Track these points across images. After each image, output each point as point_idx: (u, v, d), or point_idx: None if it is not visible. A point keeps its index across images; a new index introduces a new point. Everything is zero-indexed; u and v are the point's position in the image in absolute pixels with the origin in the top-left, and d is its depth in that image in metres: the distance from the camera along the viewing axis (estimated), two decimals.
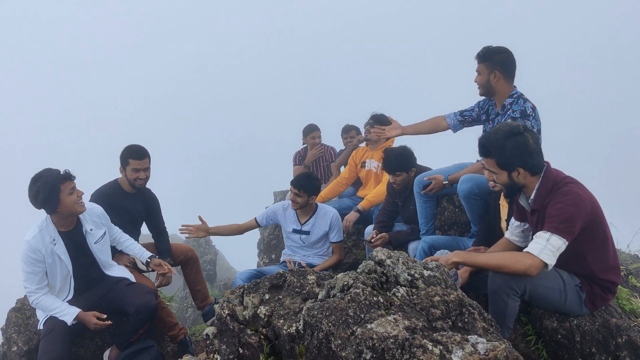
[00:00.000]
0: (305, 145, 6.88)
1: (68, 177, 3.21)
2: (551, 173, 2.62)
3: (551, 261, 2.39)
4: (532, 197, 2.66)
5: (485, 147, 2.66)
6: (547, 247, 2.39)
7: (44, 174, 3.15)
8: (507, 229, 3.19)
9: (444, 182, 3.91)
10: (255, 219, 4.70)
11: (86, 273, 3.50)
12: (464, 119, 4.01)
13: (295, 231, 4.50)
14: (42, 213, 3.30)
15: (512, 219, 2.95)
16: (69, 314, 3.26)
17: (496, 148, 2.59)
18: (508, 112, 3.65)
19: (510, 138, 2.55)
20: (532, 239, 2.53)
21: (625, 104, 68.37)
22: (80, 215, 3.42)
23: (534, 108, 3.60)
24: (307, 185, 4.29)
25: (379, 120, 5.27)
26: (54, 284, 3.39)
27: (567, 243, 2.40)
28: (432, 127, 4.15)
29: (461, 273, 2.84)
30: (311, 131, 6.67)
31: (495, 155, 2.61)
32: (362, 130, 6.42)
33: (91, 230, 3.48)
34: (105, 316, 3.30)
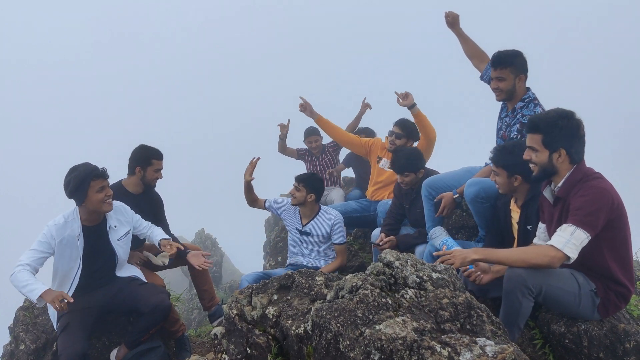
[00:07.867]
0: (306, 147, 6.91)
1: (100, 175, 3.27)
2: (584, 167, 2.63)
3: (574, 255, 2.40)
4: (559, 184, 2.65)
5: (535, 122, 2.65)
6: (570, 240, 2.39)
7: (80, 167, 3.28)
8: (518, 233, 3.17)
9: (454, 197, 3.89)
10: (265, 202, 4.68)
11: (96, 272, 3.51)
12: None
13: (296, 230, 4.51)
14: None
15: (539, 224, 2.91)
16: (35, 289, 2.99)
17: (547, 124, 2.59)
18: (517, 117, 3.59)
19: (564, 118, 2.56)
20: (554, 231, 2.52)
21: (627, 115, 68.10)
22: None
23: None
24: (308, 180, 4.31)
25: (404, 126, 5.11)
26: (55, 276, 3.38)
27: (590, 237, 2.41)
28: None
29: (484, 278, 2.87)
30: (309, 135, 6.67)
31: (544, 131, 2.59)
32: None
33: (115, 227, 3.53)
34: (72, 299, 3.00)
